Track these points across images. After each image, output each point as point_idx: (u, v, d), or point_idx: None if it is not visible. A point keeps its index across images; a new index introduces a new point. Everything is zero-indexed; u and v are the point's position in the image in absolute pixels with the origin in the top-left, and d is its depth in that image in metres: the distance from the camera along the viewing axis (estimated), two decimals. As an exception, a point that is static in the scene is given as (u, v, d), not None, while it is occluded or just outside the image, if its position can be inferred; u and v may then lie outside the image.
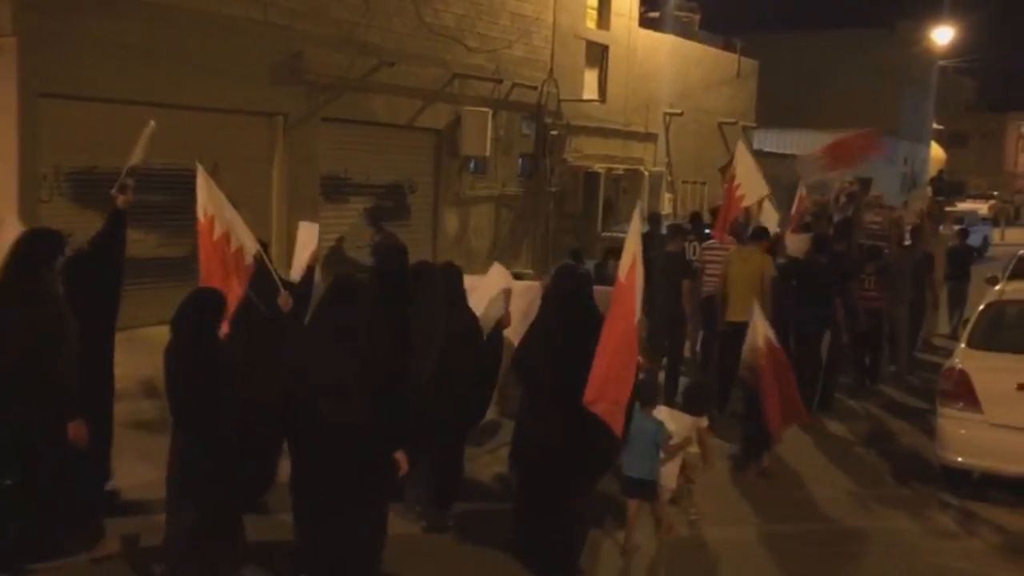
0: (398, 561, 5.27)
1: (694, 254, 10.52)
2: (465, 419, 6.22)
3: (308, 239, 7.04)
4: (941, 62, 43.13)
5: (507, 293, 6.61)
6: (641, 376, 5.65)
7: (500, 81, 17.26)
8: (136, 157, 6.77)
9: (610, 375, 5.10)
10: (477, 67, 16.87)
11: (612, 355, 5.13)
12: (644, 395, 5.76)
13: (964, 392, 7.14)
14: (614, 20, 20.74)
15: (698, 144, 24.61)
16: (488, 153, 16.80)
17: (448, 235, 16.81)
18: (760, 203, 10.50)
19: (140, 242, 11.97)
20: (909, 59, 39.64)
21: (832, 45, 38.58)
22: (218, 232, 6.06)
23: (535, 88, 18.33)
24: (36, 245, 5.30)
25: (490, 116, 16.66)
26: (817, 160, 11.89)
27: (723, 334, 8.78)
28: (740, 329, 7.56)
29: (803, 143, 33.56)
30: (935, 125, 48.23)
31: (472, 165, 17.26)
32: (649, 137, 22.40)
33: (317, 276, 6.87)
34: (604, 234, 17.60)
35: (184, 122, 12.21)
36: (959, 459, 7.20)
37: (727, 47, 27.12)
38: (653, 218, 12.61)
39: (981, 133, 62.66)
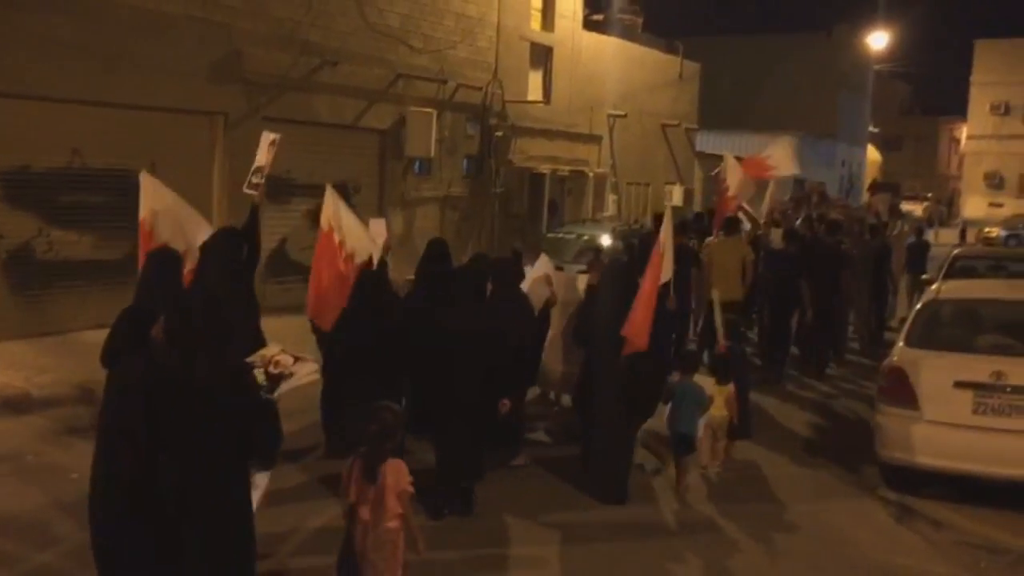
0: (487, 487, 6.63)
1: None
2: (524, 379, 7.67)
3: (379, 232, 8.21)
4: (876, 67, 44.08)
5: (549, 278, 8.05)
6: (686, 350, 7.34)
7: (445, 82, 17.19)
8: (260, 159, 8.14)
9: (641, 319, 6.64)
10: (421, 67, 16.79)
11: (644, 307, 6.66)
12: (688, 365, 7.22)
13: (902, 389, 7.26)
14: (558, 22, 20.81)
15: (642, 145, 24.81)
16: (433, 154, 16.73)
17: (393, 236, 16.61)
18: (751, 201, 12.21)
19: (75, 244, 11.70)
20: (846, 63, 40.45)
21: (770, 49, 39.21)
22: (336, 239, 7.21)
23: (480, 89, 18.30)
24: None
25: (435, 117, 16.58)
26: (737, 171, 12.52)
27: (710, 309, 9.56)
28: (724, 308, 8.59)
29: (743, 146, 34.06)
30: (871, 128, 49.28)
31: (417, 166, 17.16)
32: (593, 138, 22.52)
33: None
34: (549, 235, 17.62)
35: (121, 121, 11.97)
36: (897, 455, 7.32)
37: (669, 50, 27.41)
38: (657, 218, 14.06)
39: (915, 136, 64.19)
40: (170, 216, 7.11)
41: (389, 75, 16.11)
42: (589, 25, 22.87)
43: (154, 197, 7.11)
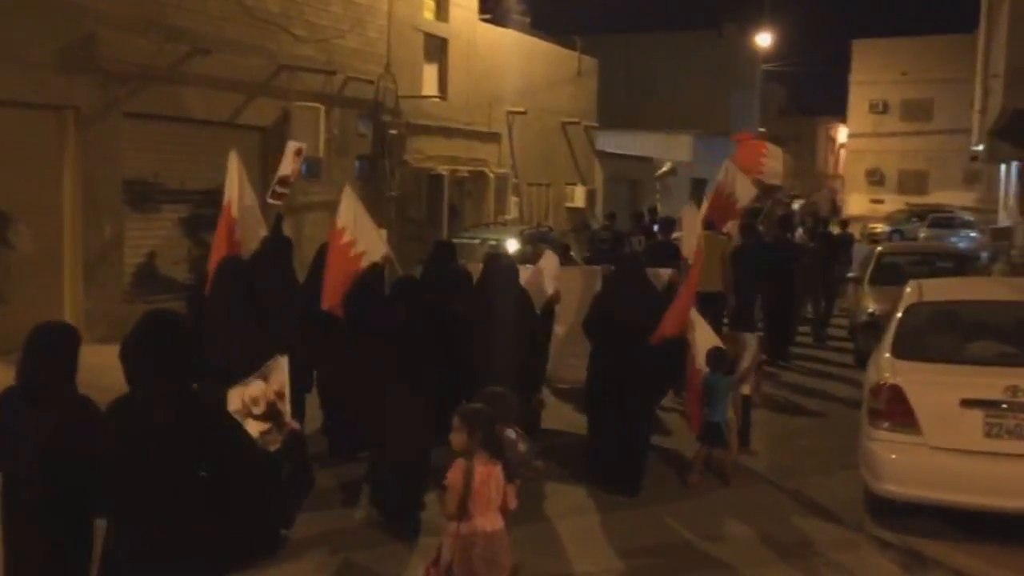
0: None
1: None
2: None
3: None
4: (764, 66, 44.35)
5: (555, 277, 8.05)
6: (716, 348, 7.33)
7: (333, 73, 15.60)
8: (284, 168, 8.76)
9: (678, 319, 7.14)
10: (306, 58, 15.16)
11: (683, 308, 7.17)
12: (718, 362, 7.24)
13: (899, 411, 6.18)
14: (453, 11, 19.43)
15: (542, 144, 23.66)
16: (321, 154, 15.08)
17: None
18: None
19: None
20: (736, 62, 40.42)
21: (662, 47, 38.76)
22: (346, 239, 7.19)
23: (371, 82, 16.77)
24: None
25: (322, 113, 14.99)
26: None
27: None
28: (706, 298, 9.08)
29: (639, 144, 33.40)
30: (760, 129, 49.70)
31: (304, 167, 15.43)
32: (492, 137, 21.22)
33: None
34: (452, 240, 16.22)
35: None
36: (894, 488, 6.24)
37: (566, 45, 26.33)
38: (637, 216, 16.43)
39: (794, 136, 65.37)
40: (251, 214, 7.41)
41: (270, 66, 14.43)
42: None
43: (241, 188, 7.30)
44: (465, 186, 20.31)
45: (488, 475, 4.30)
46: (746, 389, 7.92)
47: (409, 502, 6.18)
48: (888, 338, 6.85)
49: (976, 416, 5.98)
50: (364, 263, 7.19)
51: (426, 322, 6.37)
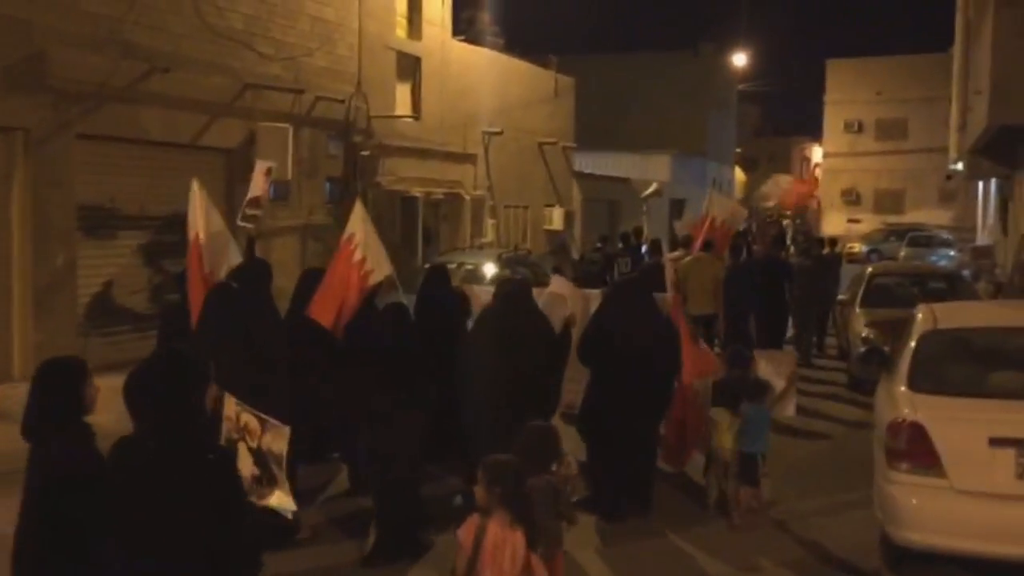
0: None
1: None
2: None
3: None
4: (740, 86, 44.23)
5: (564, 297, 8.02)
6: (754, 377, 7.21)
7: (301, 92, 14.99)
8: (255, 189, 8.55)
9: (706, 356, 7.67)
10: (273, 77, 14.55)
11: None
12: (756, 392, 6.95)
13: (920, 451, 5.59)
14: (426, 29, 18.92)
15: (519, 165, 23.14)
16: (290, 176, 14.44)
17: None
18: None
19: None
20: (713, 81, 40.23)
21: (638, 67, 38.51)
22: (357, 256, 6.89)
23: (342, 102, 16.18)
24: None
25: (291, 133, 14.37)
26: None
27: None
28: (700, 319, 9.72)
29: (616, 165, 33.02)
30: (736, 150, 49.60)
31: (272, 191, 14.81)
32: (468, 158, 20.67)
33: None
34: (427, 265, 15.62)
35: None
36: (916, 537, 5.63)
37: (541, 64, 25.90)
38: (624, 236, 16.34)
39: (768, 156, 65.53)
40: (220, 239, 6.87)
41: (234, 85, 13.80)
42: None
43: (206, 216, 6.75)
44: (440, 209, 19.75)
45: (503, 540, 3.75)
46: (790, 410, 7.98)
47: (404, 519, 6.01)
48: (902, 369, 6.26)
49: (1007, 456, 5.40)
50: (372, 281, 6.93)
51: (418, 346, 6.17)
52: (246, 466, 4.32)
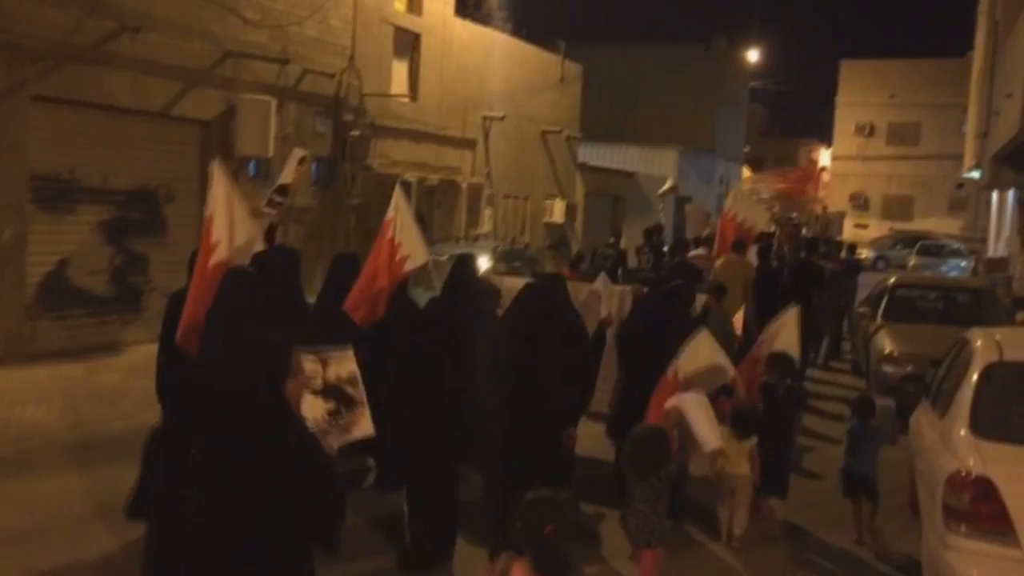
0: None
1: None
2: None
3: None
4: (752, 84, 43.11)
5: (599, 295, 8.10)
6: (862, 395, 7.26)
7: (286, 62, 13.90)
8: (285, 176, 8.68)
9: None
10: (258, 45, 13.47)
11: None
12: (863, 410, 6.69)
13: (988, 512, 4.59)
14: (427, 4, 17.80)
15: (520, 153, 22.04)
16: (272, 154, 13.38)
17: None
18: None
19: None
20: (723, 78, 39.12)
21: (648, 58, 37.33)
22: (397, 238, 6.61)
23: (332, 77, 15.10)
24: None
25: (274, 107, 13.32)
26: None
27: None
28: None
29: (622, 158, 31.91)
30: (744, 149, 48.54)
31: (252, 168, 13.80)
32: (466, 143, 19.58)
33: None
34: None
35: None
36: (977, 615, 4.63)
37: (549, 49, 24.79)
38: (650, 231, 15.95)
39: (775, 157, 64.51)
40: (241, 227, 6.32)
41: (214, 52, 12.73)
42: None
43: (228, 201, 6.17)
44: (435, 195, 18.69)
45: None
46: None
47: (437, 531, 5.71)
48: (963, 408, 5.23)
49: (1098, 525, 4.39)
50: (408, 268, 6.66)
51: (449, 346, 5.90)
52: (316, 408, 4.25)
